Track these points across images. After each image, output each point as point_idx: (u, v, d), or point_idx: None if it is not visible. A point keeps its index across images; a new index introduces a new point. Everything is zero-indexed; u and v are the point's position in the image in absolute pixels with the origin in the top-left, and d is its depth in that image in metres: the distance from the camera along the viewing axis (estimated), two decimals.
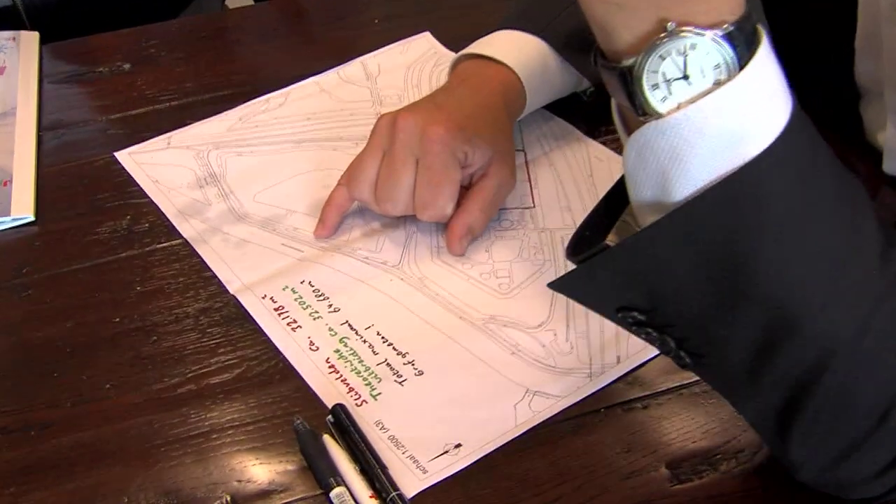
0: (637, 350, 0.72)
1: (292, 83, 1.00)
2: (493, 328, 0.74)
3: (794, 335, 0.51)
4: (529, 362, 0.71)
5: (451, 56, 1.01)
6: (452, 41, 1.05)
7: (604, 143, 0.92)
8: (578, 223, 0.80)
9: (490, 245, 0.81)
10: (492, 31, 0.89)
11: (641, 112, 0.50)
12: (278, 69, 1.04)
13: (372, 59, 1.03)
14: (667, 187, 0.50)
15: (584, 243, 0.56)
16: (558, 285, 0.56)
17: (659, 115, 0.49)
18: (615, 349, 0.72)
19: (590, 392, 0.69)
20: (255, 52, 1.08)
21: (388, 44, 1.06)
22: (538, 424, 0.68)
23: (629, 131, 0.52)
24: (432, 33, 1.07)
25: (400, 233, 0.82)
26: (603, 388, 0.70)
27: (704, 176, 0.49)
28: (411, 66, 1.02)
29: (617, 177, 0.85)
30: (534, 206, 0.84)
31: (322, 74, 1.01)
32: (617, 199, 0.58)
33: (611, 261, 0.53)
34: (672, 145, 0.49)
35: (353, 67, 1.02)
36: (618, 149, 0.91)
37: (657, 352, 0.71)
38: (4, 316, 0.78)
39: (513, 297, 0.76)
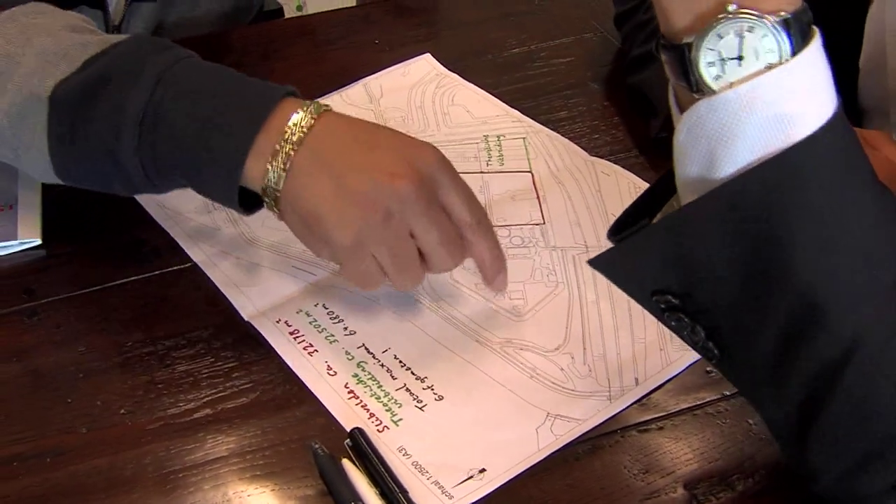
0: (655, 371, 0.72)
1: None
2: (511, 351, 0.74)
3: (821, 327, 0.52)
4: (549, 386, 0.72)
5: (453, 77, 1.03)
6: (452, 61, 1.06)
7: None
8: (588, 240, 0.82)
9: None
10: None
11: (696, 88, 0.53)
12: None
13: (374, 81, 1.03)
14: (713, 165, 0.52)
15: (626, 227, 0.58)
16: (596, 263, 0.58)
17: (712, 92, 0.52)
18: (633, 371, 0.72)
19: (610, 415, 0.70)
20: (256, 73, 1.07)
21: (388, 64, 1.06)
22: None
23: (683, 113, 0.54)
24: (432, 53, 1.08)
25: None
26: (623, 410, 0.70)
27: (750, 155, 0.51)
28: (413, 87, 1.02)
29: (624, 191, 0.87)
30: (543, 223, 0.85)
31: (325, 97, 1.01)
32: (662, 191, 0.59)
33: (649, 237, 0.55)
34: (722, 123, 0.51)
35: (355, 90, 1.02)
36: (617, 160, 0.92)
37: (675, 372, 0.72)
38: (15, 341, 0.77)
39: (528, 319, 0.77)
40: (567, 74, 1.05)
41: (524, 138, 0.95)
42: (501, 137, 0.95)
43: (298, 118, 0.70)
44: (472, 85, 1.03)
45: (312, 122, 0.70)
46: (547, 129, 0.96)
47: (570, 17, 1.14)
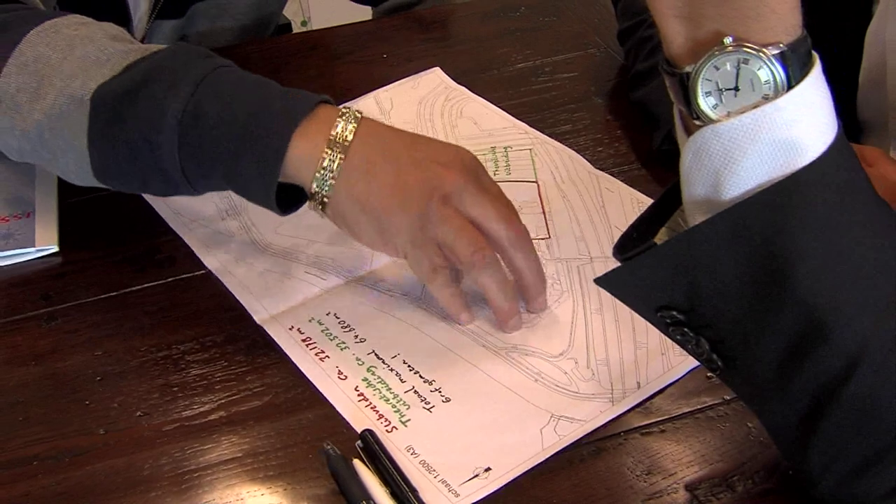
0: (657, 375, 0.74)
1: None
2: (516, 356, 0.76)
3: (823, 341, 0.54)
4: (553, 388, 0.73)
5: (461, 90, 1.05)
6: (461, 75, 1.08)
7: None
8: (592, 251, 0.84)
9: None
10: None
11: (695, 116, 0.55)
12: None
13: (384, 94, 1.05)
14: (718, 187, 0.54)
15: (631, 243, 0.59)
16: (603, 281, 0.60)
17: (710, 120, 0.54)
18: (635, 375, 0.74)
19: (612, 416, 0.72)
20: None
21: (397, 78, 1.08)
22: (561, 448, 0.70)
23: (689, 135, 0.56)
24: (441, 67, 1.10)
25: None
26: (625, 412, 0.72)
27: (754, 180, 0.53)
28: (423, 100, 1.04)
29: (627, 206, 0.89)
30: (549, 237, 0.87)
31: None
32: (666, 205, 0.61)
33: (657, 257, 0.56)
34: (726, 149, 0.53)
35: (366, 102, 1.04)
36: (620, 173, 0.94)
37: (677, 377, 0.74)
38: (34, 345, 0.79)
39: (532, 327, 0.78)
40: (571, 89, 1.07)
41: (530, 149, 0.97)
42: (508, 149, 0.97)
43: (343, 115, 0.75)
44: (479, 98, 1.05)
45: (358, 120, 0.76)
46: (552, 140, 0.98)
47: (574, 33, 1.17)
